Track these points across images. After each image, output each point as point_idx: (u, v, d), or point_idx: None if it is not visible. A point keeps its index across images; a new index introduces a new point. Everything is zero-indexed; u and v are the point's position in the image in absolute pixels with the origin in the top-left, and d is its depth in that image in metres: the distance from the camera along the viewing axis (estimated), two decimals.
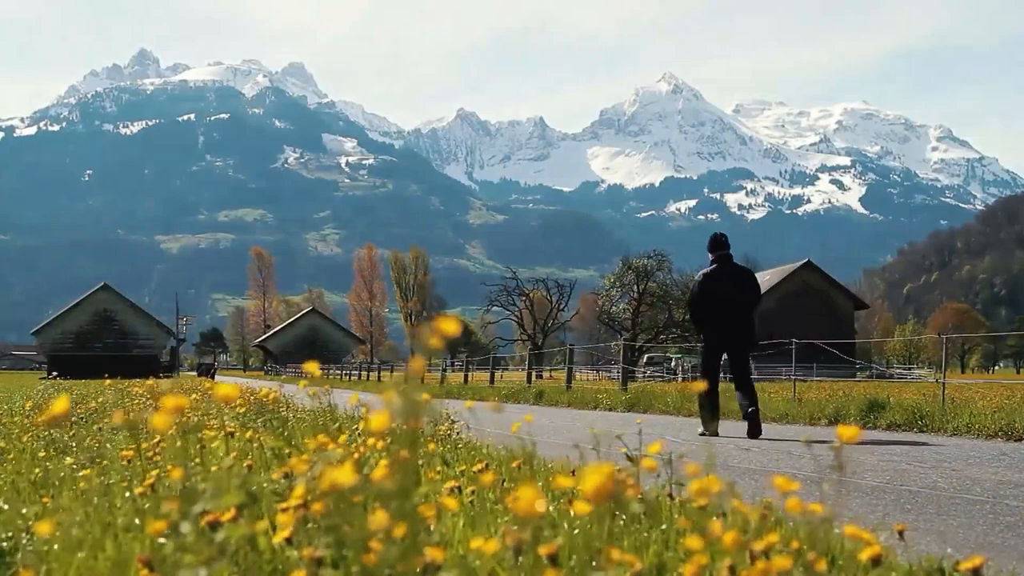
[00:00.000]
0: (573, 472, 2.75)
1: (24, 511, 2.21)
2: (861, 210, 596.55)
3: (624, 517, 1.84)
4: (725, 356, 8.17)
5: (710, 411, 7.72)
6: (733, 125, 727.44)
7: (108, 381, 6.97)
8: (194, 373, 59.52)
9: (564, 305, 60.60)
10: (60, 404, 1.18)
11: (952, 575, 1.92)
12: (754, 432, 7.42)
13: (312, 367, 1.73)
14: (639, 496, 2.08)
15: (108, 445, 3.87)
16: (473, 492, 2.25)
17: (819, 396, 13.57)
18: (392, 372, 37.67)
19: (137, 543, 1.62)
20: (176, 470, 1.15)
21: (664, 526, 1.87)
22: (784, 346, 15.22)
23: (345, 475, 0.91)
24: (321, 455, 1.19)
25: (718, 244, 8.21)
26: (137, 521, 1.77)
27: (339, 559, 1.01)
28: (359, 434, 3.66)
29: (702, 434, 7.69)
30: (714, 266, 8.15)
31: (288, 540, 1.17)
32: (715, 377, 8.10)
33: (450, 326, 0.91)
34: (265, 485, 1.71)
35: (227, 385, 1.05)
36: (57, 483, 2.73)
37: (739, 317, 8.01)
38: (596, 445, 2.12)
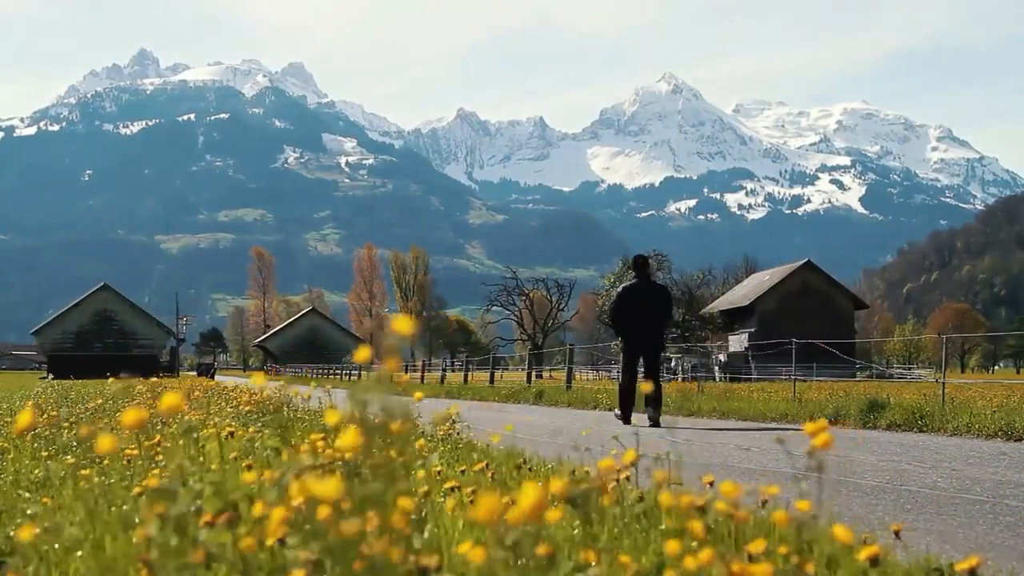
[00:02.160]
0: (574, 472, 2.75)
1: (26, 510, 2.21)
2: (861, 210, 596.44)
3: (625, 517, 1.85)
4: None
5: (627, 404, 9.43)
6: (733, 125, 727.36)
7: (111, 380, 6.97)
8: (194, 373, 59.52)
9: (564, 305, 60.65)
10: (24, 417, 1.17)
11: (951, 575, 1.92)
12: (654, 422, 9.07)
13: (258, 378, 1.77)
14: (639, 496, 2.09)
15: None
16: (473, 492, 2.25)
17: (819, 396, 13.57)
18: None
19: (134, 543, 1.62)
20: (152, 478, 1.21)
21: (663, 526, 1.87)
22: (784, 346, 15.24)
23: (329, 488, 0.89)
24: (292, 464, 1.18)
25: (638, 265, 9.74)
26: (136, 521, 1.77)
27: (331, 563, 1.00)
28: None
29: (618, 417, 9.36)
30: (633, 282, 9.59)
31: (281, 541, 1.16)
32: (633, 375, 9.56)
33: (403, 325, 0.91)
34: (267, 486, 1.71)
35: (173, 395, 0.98)
36: (58, 483, 2.73)
37: (651, 327, 9.46)
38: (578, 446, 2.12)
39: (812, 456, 1.20)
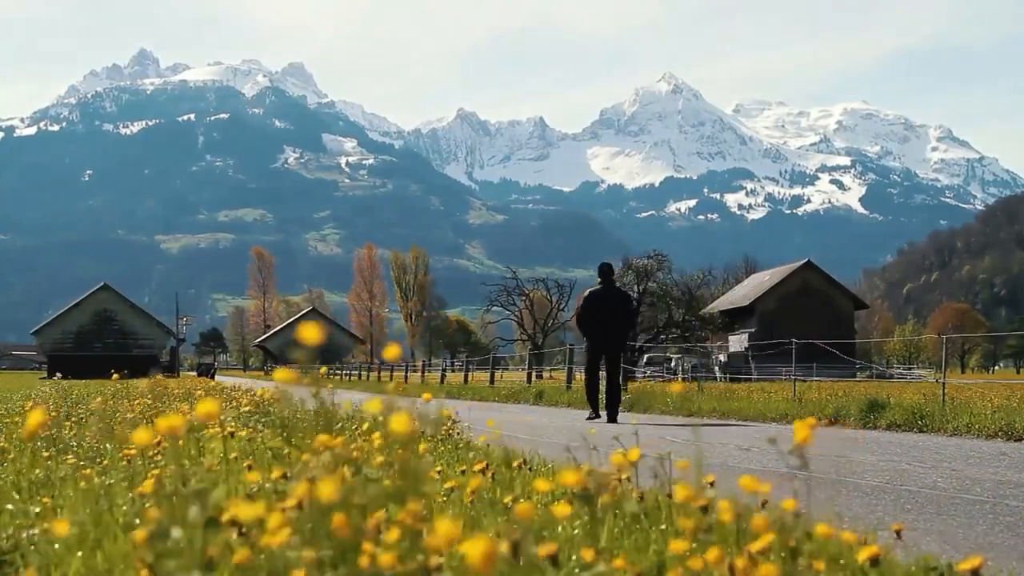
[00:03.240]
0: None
1: (27, 510, 2.21)
2: (861, 210, 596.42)
3: (625, 517, 1.85)
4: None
5: (594, 400, 10.23)
6: (733, 125, 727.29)
7: (116, 376, 6.99)
8: (194, 373, 59.50)
9: (564, 305, 60.52)
10: (35, 417, 1.14)
11: (951, 575, 1.92)
12: (611, 418, 9.79)
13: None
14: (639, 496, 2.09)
15: (108, 445, 3.88)
16: (473, 492, 2.25)
17: (819, 396, 13.57)
18: (392, 372, 37.66)
19: (134, 543, 1.62)
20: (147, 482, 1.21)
21: (664, 526, 1.88)
22: (784, 346, 15.25)
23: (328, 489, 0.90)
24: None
25: (603, 272, 10.51)
26: (137, 521, 1.77)
27: (338, 562, 1.00)
28: (359, 434, 3.66)
29: (589, 419, 9.81)
30: (598, 288, 10.39)
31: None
32: (596, 373, 10.37)
33: (311, 333, 0.94)
34: (267, 486, 1.72)
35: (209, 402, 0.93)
36: (58, 483, 2.73)
37: (613, 329, 10.21)
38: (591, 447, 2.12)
39: (796, 453, 1.20)
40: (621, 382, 17.93)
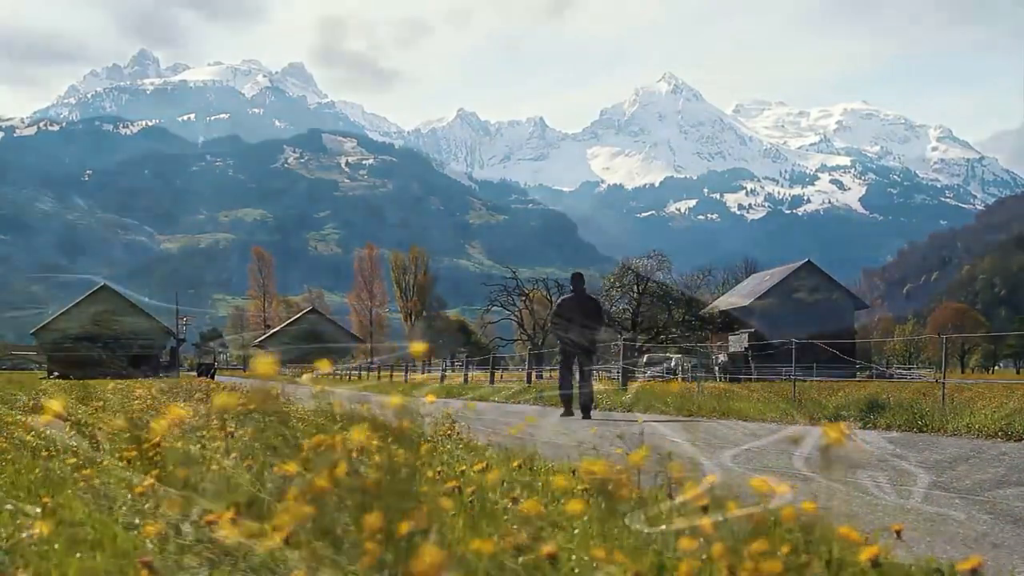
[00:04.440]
0: (573, 472, 2.75)
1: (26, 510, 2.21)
2: (861, 210, 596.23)
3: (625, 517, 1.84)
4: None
5: (568, 400, 10.71)
6: (733, 125, 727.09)
7: (111, 383, 7.00)
8: (194, 373, 59.46)
9: None
10: (55, 404, 1.09)
11: (951, 575, 1.92)
12: (585, 415, 10.28)
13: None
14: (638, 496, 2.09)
15: (108, 445, 3.87)
16: (473, 492, 2.24)
17: (819, 396, 13.56)
18: (392, 372, 37.67)
19: (134, 543, 1.61)
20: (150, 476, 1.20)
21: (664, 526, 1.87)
22: (784, 346, 15.25)
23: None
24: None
25: (574, 280, 11.41)
26: (137, 521, 1.77)
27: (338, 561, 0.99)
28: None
29: (563, 416, 10.32)
30: (570, 295, 11.19)
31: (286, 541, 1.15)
32: (570, 375, 10.87)
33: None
34: (269, 486, 1.71)
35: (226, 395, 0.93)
36: (58, 483, 2.73)
37: (583, 334, 10.79)
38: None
39: (825, 458, 1.18)
40: (622, 382, 18.01)
